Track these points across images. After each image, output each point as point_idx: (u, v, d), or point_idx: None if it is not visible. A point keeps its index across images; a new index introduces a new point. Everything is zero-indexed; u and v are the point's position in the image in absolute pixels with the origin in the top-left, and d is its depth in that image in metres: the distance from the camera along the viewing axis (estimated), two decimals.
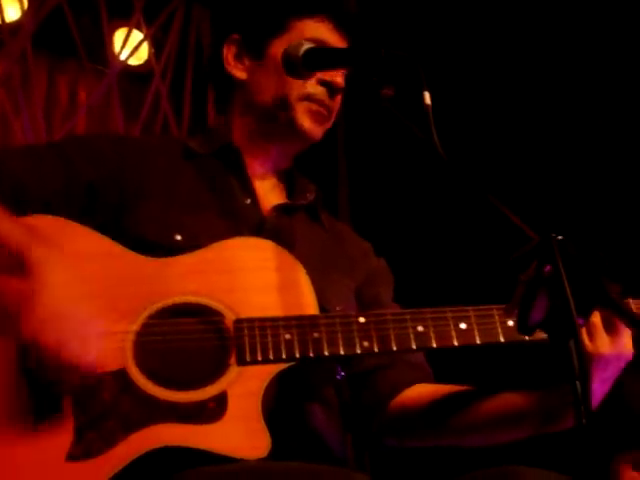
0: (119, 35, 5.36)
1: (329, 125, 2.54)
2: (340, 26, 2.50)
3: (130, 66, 5.43)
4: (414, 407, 2.38)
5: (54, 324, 1.88)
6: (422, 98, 1.94)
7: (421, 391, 2.41)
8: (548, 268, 1.59)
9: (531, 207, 2.37)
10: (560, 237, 1.61)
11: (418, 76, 1.97)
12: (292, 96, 2.44)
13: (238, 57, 2.55)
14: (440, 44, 4.57)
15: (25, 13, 5.05)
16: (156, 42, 5.46)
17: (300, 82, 2.41)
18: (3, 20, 5.00)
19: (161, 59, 5.40)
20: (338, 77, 2.47)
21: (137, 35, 5.38)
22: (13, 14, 5.07)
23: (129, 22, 5.34)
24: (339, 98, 2.52)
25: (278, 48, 2.44)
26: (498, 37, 4.62)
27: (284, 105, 2.45)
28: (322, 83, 2.45)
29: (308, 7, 2.50)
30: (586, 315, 1.63)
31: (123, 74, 5.37)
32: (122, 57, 5.34)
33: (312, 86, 2.44)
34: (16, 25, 5.05)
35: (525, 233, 1.68)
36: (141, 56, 5.44)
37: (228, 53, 2.55)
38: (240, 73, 2.53)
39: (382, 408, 2.41)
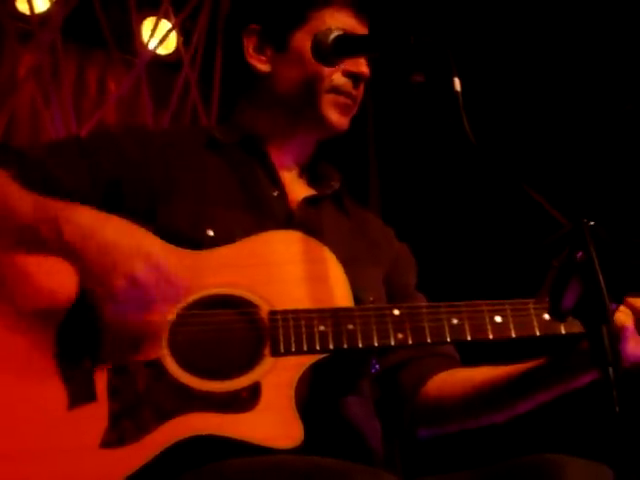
0: (147, 25, 5.36)
1: (354, 113, 2.53)
2: (360, 12, 2.50)
3: (159, 55, 5.44)
4: (438, 396, 2.40)
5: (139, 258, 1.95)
6: (452, 84, 1.93)
7: (444, 378, 2.43)
8: (580, 254, 1.58)
9: (563, 193, 2.36)
10: (592, 223, 1.60)
11: (448, 62, 1.97)
12: (318, 88, 2.43)
13: (259, 48, 2.52)
14: (470, 29, 4.54)
15: (54, 4, 5.06)
16: (184, 31, 5.47)
17: (325, 74, 2.42)
18: (32, 11, 5.02)
19: (190, 48, 5.41)
20: (363, 67, 2.46)
21: (165, 24, 5.38)
22: (42, 5, 5.09)
23: (157, 11, 5.35)
24: (363, 86, 2.51)
25: (301, 40, 2.45)
26: (533, 20, 4.59)
27: (310, 98, 2.44)
28: (347, 74, 2.45)
29: None
30: (619, 301, 1.63)
31: (152, 64, 5.38)
32: (151, 46, 5.35)
33: (337, 78, 2.44)
34: (45, 16, 5.07)
35: (557, 219, 1.67)
36: (170, 45, 5.45)
37: (248, 44, 2.52)
38: (262, 65, 2.51)
39: (410, 402, 2.43)
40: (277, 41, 2.49)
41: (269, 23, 2.52)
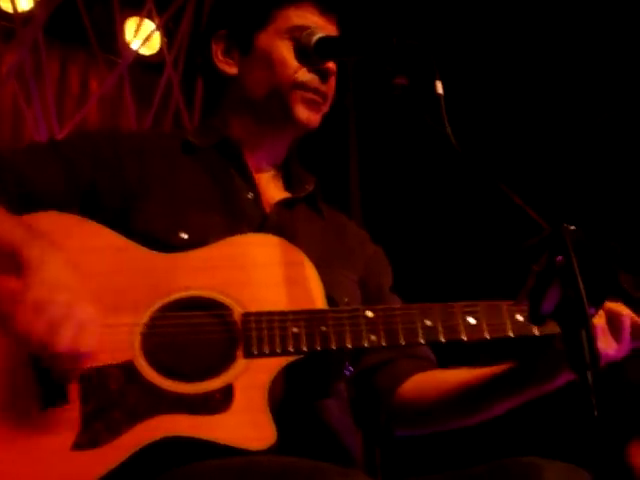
0: (131, 24, 5.36)
1: (326, 110, 2.53)
2: (324, 10, 2.50)
3: (142, 56, 5.44)
4: (413, 398, 2.40)
5: (44, 312, 1.90)
6: (434, 87, 1.94)
7: (419, 380, 2.43)
8: (560, 258, 1.59)
9: (543, 197, 2.37)
10: (572, 227, 1.60)
11: (430, 65, 1.97)
12: (285, 86, 2.43)
13: (227, 53, 2.53)
14: (452, 32, 4.55)
15: (37, 2, 5.06)
16: (168, 32, 5.47)
17: (291, 72, 2.42)
18: (15, 9, 5.01)
19: (173, 49, 5.40)
20: (329, 62, 2.46)
21: (149, 25, 5.39)
22: (25, 3, 5.08)
23: (141, 11, 5.35)
24: (333, 81, 2.50)
25: (265, 40, 2.46)
26: (514, 23, 4.60)
27: (278, 96, 2.44)
28: (313, 70, 2.43)
29: None
30: (598, 305, 1.63)
31: (135, 64, 5.38)
32: (134, 47, 5.35)
33: (303, 74, 2.42)
34: (28, 14, 5.06)
35: (537, 223, 1.68)
36: (153, 46, 5.45)
37: (217, 49, 2.54)
38: (230, 68, 2.52)
39: (385, 404, 2.43)
40: (243, 43, 2.51)
41: (234, 26, 2.54)
